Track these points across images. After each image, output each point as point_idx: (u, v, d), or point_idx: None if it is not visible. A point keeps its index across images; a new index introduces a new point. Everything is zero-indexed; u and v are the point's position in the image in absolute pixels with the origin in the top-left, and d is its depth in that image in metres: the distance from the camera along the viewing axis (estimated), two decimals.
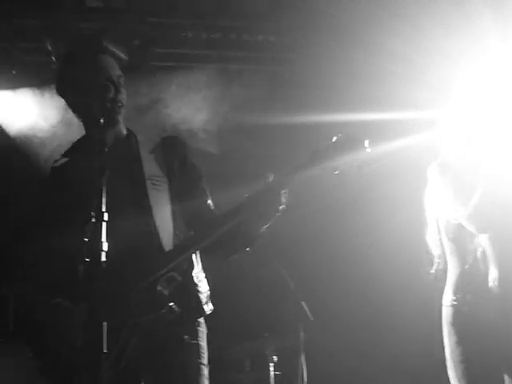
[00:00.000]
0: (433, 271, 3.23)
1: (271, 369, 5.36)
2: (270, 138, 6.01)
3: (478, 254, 3.06)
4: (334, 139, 2.65)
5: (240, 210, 2.69)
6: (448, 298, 3.14)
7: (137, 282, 2.71)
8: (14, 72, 5.70)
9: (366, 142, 2.61)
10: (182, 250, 2.77)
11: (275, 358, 5.37)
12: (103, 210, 2.43)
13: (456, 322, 3.10)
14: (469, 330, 3.08)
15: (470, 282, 3.10)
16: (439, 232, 3.19)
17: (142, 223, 2.79)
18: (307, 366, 5.00)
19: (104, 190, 2.47)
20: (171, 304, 2.71)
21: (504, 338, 3.05)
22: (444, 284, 3.20)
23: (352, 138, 2.63)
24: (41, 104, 5.68)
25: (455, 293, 3.12)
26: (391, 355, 6.07)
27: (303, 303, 4.98)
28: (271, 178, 2.67)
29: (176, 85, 5.73)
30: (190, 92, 5.68)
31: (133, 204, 2.83)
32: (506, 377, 3.10)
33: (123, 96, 2.91)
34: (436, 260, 3.20)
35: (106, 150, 2.60)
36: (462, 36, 4.99)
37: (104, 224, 2.42)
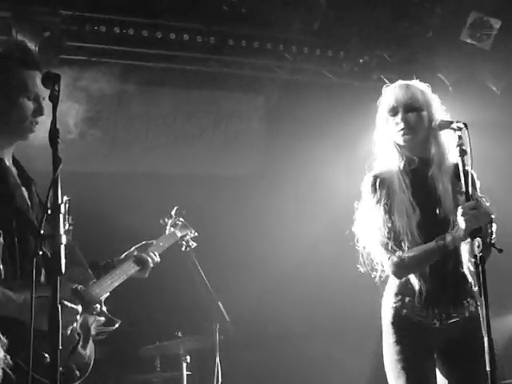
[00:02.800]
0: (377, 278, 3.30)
1: (184, 369, 5.33)
2: None
3: None
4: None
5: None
6: (389, 300, 3.24)
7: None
8: None
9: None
10: None
11: (188, 359, 5.35)
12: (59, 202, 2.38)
13: (395, 323, 3.19)
14: (407, 331, 3.16)
15: (408, 287, 3.19)
16: None
17: None
18: (221, 366, 4.99)
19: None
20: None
21: (439, 340, 3.17)
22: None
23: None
24: None
25: (396, 295, 3.22)
26: (305, 354, 6.19)
27: (219, 304, 4.97)
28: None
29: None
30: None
31: None
32: (438, 375, 3.22)
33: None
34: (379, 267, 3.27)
35: None
36: None
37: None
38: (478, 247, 2.89)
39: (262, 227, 6.18)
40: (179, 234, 3.98)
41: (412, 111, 3.24)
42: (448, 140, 3.20)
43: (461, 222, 2.97)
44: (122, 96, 6.13)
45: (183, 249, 4.13)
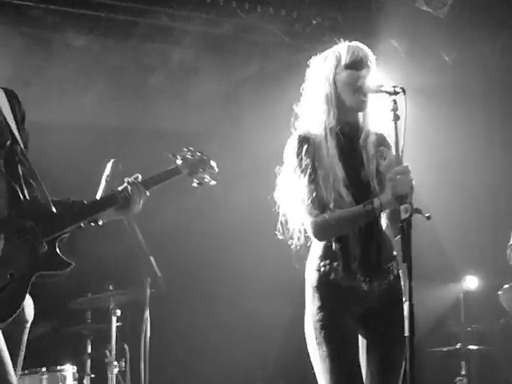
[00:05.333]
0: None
1: (113, 321, 5.31)
2: None
3: None
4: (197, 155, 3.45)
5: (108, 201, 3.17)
6: (314, 263, 3.17)
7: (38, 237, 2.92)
8: None
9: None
10: (79, 217, 3.07)
11: (118, 312, 5.33)
12: None
13: (321, 287, 3.14)
14: (333, 295, 3.11)
15: (334, 251, 3.14)
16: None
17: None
18: (151, 321, 4.97)
19: None
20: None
21: (364, 303, 3.14)
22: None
23: (208, 159, 3.46)
24: None
25: (322, 259, 3.15)
26: (239, 312, 6.20)
27: (151, 258, 4.92)
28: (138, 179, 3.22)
29: None
30: None
31: None
32: (360, 340, 3.19)
33: None
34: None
35: None
36: None
37: None
38: (406, 212, 2.87)
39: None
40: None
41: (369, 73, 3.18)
42: (378, 105, 3.14)
43: (389, 187, 2.93)
44: (62, 45, 5.93)
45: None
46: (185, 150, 3.47)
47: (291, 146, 3.18)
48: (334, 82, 3.17)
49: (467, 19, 6.56)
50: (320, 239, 3.13)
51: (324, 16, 6.56)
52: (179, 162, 3.42)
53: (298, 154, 3.13)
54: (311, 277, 3.17)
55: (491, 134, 6.81)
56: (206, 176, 3.49)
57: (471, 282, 6.37)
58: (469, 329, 6.00)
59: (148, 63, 6.22)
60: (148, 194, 3.23)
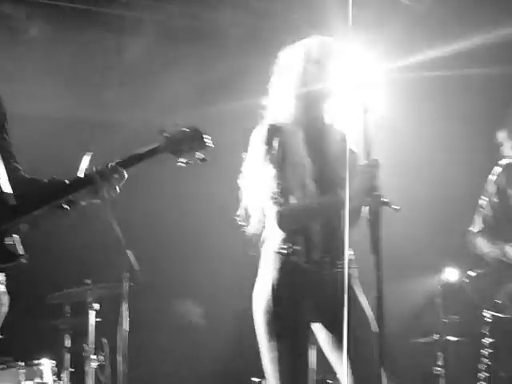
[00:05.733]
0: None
1: (92, 316, 5.30)
2: None
3: None
4: (184, 131, 2.95)
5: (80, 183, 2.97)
6: (275, 245, 3.19)
7: None
8: None
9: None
10: (48, 199, 2.93)
11: (96, 306, 5.32)
12: None
13: (282, 269, 3.16)
14: (294, 277, 3.15)
15: (298, 235, 3.16)
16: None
17: None
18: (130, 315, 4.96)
19: None
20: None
21: (323, 288, 3.17)
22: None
23: (199, 134, 2.93)
24: None
25: (284, 242, 3.18)
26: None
27: (129, 252, 4.91)
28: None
29: None
30: None
31: None
32: (318, 326, 3.24)
33: None
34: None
35: None
36: None
37: None
38: (375, 204, 2.90)
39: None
40: None
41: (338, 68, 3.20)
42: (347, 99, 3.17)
43: (358, 180, 2.96)
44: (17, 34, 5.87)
45: None
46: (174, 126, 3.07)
47: (260, 134, 3.20)
48: (303, 76, 3.19)
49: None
50: (284, 229, 3.15)
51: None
52: (163, 138, 3.04)
53: (267, 142, 3.16)
54: (271, 258, 3.18)
55: (457, 128, 6.79)
56: (196, 153, 3.03)
57: (451, 274, 6.40)
58: (446, 320, 6.03)
59: (106, 53, 6.15)
60: (126, 175, 2.98)
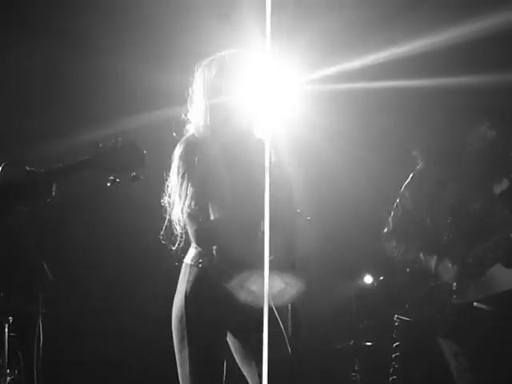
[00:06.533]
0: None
1: (6, 330, 5.19)
2: None
3: None
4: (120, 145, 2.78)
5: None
6: (194, 258, 3.23)
7: None
8: None
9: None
10: None
11: (11, 319, 5.21)
12: None
13: (194, 280, 3.20)
14: (206, 290, 3.20)
15: (215, 250, 3.20)
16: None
17: None
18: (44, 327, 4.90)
19: None
20: None
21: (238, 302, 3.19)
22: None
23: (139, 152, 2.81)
24: None
25: (200, 254, 3.22)
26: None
27: (44, 263, 4.86)
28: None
29: None
30: None
31: None
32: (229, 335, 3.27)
33: None
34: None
35: None
36: None
37: None
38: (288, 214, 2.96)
39: None
40: None
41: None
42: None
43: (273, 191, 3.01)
44: None
45: None
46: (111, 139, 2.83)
47: (178, 150, 3.23)
48: (218, 89, 3.24)
49: None
50: (203, 247, 3.20)
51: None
52: (95, 152, 2.79)
53: (185, 159, 3.19)
54: (186, 271, 3.24)
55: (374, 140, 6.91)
56: (129, 172, 2.81)
57: (366, 280, 6.53)
58: (361, 326, 6.16)
59: None
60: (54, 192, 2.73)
